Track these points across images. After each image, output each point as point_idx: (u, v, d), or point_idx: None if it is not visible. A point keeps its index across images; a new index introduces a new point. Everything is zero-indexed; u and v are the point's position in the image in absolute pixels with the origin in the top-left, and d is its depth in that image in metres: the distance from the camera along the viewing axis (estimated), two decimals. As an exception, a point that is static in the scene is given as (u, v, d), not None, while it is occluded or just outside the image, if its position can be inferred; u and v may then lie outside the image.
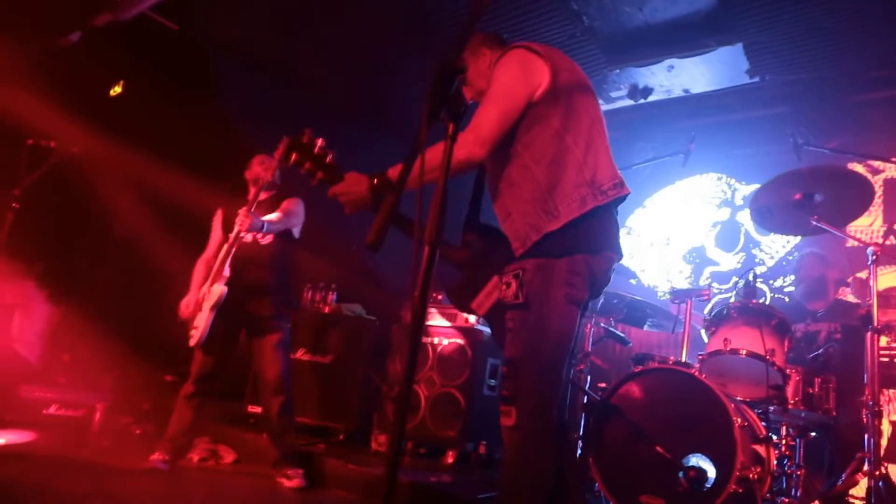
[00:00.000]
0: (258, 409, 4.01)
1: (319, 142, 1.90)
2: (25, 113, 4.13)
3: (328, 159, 1.90)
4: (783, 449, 2.72)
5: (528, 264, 1.73)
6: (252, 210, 3.15)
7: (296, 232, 3.45)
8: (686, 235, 5.13)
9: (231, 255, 3.18)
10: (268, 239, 3.34)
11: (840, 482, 2.54)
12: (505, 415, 1.71)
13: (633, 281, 4.10)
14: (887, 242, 3.86)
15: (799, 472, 2.64)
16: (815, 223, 2.81)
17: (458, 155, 1.66)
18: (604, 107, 5.33)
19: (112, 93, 4.73)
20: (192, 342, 3.18)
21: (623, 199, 1.83)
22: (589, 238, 1.74)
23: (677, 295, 3.35)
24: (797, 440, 2.73)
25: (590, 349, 3.31)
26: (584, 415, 3.07)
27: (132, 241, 4.56)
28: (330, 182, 1.88)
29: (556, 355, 1.73)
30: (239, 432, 3.86)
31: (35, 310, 4.30)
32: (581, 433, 3.09)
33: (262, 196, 3.37)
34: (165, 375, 4.26)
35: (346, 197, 1.86)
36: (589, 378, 3.25)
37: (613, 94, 4.95)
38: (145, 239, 4.52)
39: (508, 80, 1.79)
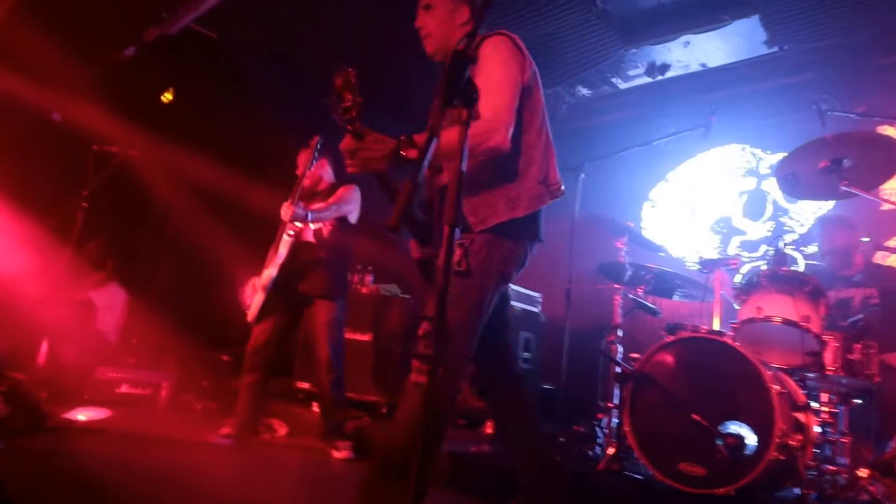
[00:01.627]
0: (306, 385, 3.91)
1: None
2: (90, 121, 4.16)
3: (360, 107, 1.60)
4: (824, 416, 2.39)
5: (477, 237, 1.67)
6: (295, 201, 3.03)
7: (352, 218, 3.27)
8: (712, 206, 4.67)
9: (283, 242, 3.07)
10: (317, 226, 3.21)
11: (888, 449, 2.22)
12: (422, 372, 1.55)
13: (661, 254, 3.74)
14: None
15: (844, 440, 2.32)
16: (844, 188, 2.48)
17: (493, 140, 1.60)
18: (622, 85, 4.90)
19: (163, 99, 4.68)
20: (249, 318, 3.16)
21: None
22: (534, 229, 1.75)
23: (706, 265, 3.00)
24: (839, 407, 2.38)
25: (619, 321, 3.01)
26: (616, 384, 2.80)
27: (187, 234, 4.52)
28: (356, 133, 1.55)
29: (478, 324, 1.68)
30: (289, 406, 3.78)
31: (116, 303, 4.31)
32: (615, 402, 2.82)
33: (321, 186, 3.29)
34: (222, 355, 4.23)
35: (365, 153, 1.55)
36: (620, 348, 2.96)
37: (631, 73, 4.49)
38: (199, 231, 4.46)
39: (507, 68, 1.69)
